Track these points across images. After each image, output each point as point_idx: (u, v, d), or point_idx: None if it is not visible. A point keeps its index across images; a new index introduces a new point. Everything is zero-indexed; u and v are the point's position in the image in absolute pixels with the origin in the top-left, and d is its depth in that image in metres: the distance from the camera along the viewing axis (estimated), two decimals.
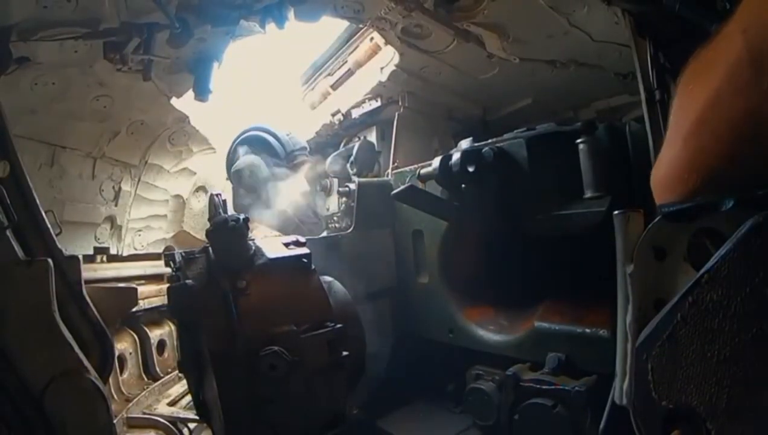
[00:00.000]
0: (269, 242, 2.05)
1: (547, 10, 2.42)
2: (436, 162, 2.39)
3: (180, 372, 2.04)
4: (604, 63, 2.82)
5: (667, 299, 0.56)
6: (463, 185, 2.34)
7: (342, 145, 3.99)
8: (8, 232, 1.58)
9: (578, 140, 2.02)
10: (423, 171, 2.49)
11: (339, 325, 1.85)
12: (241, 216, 1.90)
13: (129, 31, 2.29)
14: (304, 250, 2.02)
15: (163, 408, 2.95)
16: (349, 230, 2.84)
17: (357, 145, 3.61)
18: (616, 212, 0.70)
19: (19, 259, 1.58)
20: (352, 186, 2.94)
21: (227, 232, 1.84)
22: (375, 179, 3.44)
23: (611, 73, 2.89)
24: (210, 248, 1.88)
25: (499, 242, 2.61)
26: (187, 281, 1.76)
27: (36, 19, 2.02)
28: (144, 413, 2.86)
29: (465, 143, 2.38)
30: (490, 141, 2.32)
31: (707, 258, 0.50)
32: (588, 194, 2.01)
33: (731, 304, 0.47)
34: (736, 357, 0.46)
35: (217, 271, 1.81)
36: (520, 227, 2.30)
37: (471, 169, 2.23)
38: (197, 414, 2.09)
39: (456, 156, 2.29)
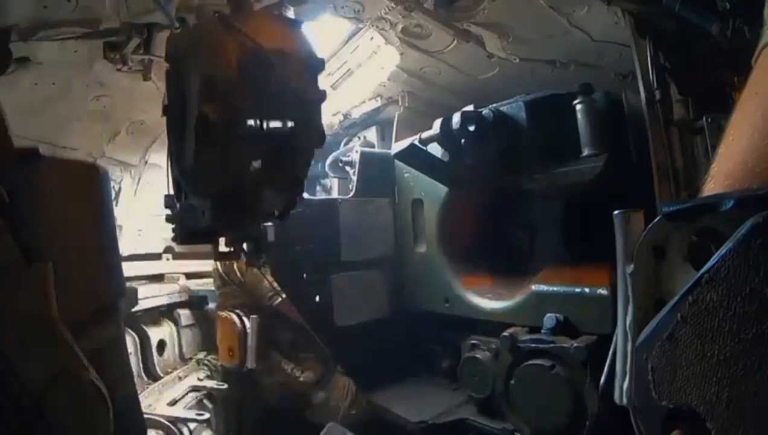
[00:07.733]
0: None
1: (547, 10, 2.43)
2: (437, 124, 2.41)
3: (163, 114, 1.78)
4: (604, 63, 2.82)
5: (667, 299, 0.56)
6: (462, 141, 2.36)
7: (342, 144, 3.99)
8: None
9: (576, 101, 2.08)
10: (424, 134, 2.50)
11: None
12: None
13: (129, 31, 2.29)
14: None
15: (163, 408, 2.95)
16: (350, 195, 2.84)
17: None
18: (616, 212, 0.70)
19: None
20: (355, 156, 2.94)
21: None
22: (377, 150, 3.46)
23: (611, 73, 2.89)
24: None
25: (499, 208, 2.62)
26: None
27: (36, 19, 2.02)
28: (144, 413, 2.86)
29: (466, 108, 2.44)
30: (490, 106, 2.37)
31: (707, 258, 0.50)
32: (585, 152, 2.04)
33: (731, 304, 0.47)
34: (736, 357, 0.46)
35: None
36: (519, 188, 2.32)
37: (471, 129, 2.25)
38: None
39: (457, 116, 2.34)
